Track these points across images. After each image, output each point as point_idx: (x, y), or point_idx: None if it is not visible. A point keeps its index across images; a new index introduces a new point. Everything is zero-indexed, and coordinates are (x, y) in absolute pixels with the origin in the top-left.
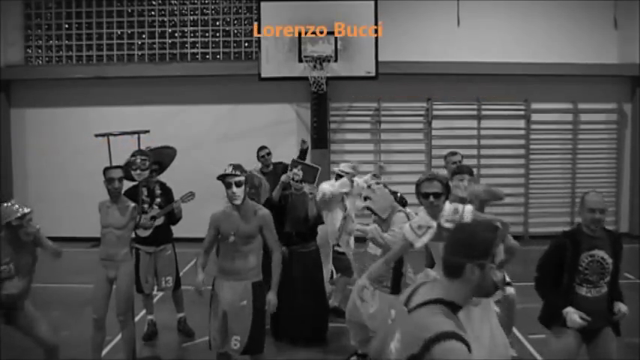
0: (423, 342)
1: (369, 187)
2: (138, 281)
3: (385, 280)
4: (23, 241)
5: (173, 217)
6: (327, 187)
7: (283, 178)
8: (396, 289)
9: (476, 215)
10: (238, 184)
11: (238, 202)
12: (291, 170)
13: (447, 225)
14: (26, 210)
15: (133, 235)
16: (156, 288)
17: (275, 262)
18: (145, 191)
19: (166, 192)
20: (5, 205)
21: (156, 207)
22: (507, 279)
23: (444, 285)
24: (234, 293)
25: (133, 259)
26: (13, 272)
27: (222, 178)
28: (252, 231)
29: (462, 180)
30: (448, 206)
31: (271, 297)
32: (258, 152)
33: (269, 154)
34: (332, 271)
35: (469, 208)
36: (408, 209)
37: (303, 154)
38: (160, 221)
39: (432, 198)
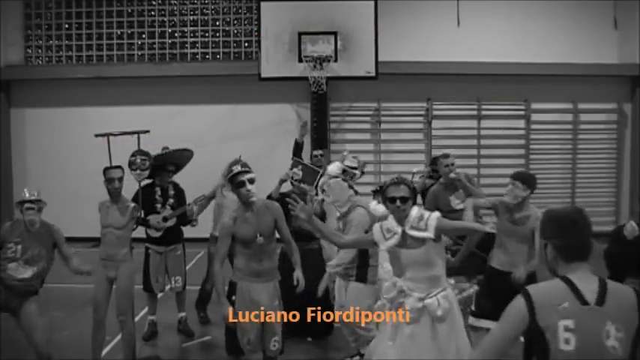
0: (638, 308)
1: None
2: (148, 281)
3: (351, 270)
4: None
5: (184, 219)
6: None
7: (282, 175)
8: (362, 277)
9: (441, 222)
10: (251, 181)
11: (255, 198)
12: (291, 169)
13: (412, 233)
14: (25, 197)
15: (144, 235)
16: (167, 288)
17: (293, 247)
18: (158, 191)
19: (179, 193)
20: (25, 189)
21: (168, 207)
22: None
23: (589, 267)
24: (269, 294)
25: (133, 258)
26: (19, 255)
27: (233, 178)
28: (272, 227)
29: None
30: (415, 212)
31: (299, 274)
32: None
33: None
34: None
35: (435, 214)
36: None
37: (298, 147)
38: (171, 222)
39: (398, 202)
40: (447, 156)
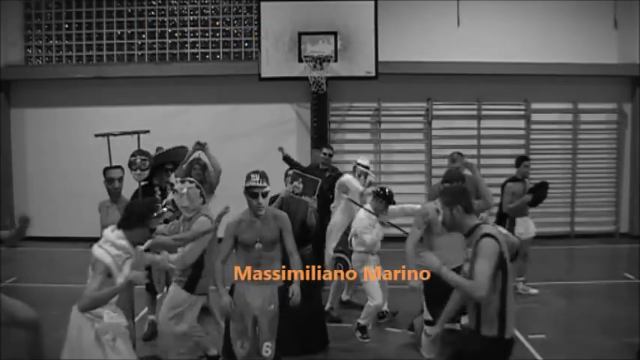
0: None
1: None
2: (150, 281)
3: (184, 276)
4: None
5: None
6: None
7: (283, 194)
8: (190, 287)
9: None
10: (265, 195)
11: (263, 212)
12: (291, 183)
13: None
14: None
15: None
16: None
17: (296, 262)
18: (158, 191)
19: None
20: None
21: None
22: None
23: None
24: (264, 298)
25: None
26: None
27: (249, 189)
28: (275, 236)
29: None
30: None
31: (295, 287)
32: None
33: (330, 155)
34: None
35: None
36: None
37: (288, 160)
38: None
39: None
40: (454, 160)
